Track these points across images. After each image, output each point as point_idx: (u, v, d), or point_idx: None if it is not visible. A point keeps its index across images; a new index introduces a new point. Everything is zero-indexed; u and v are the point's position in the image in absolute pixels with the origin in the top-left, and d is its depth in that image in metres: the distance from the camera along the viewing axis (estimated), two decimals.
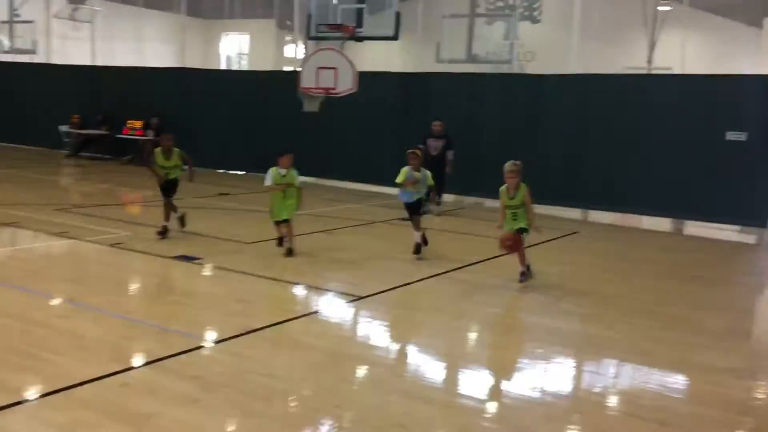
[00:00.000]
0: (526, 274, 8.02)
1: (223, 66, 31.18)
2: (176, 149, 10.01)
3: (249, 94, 18.86)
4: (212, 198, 14.17)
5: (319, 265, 8.80)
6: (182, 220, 10.14)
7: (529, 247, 8.40)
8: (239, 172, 19.10)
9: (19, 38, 22.93)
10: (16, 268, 8.11)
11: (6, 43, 23.12)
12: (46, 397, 4.44)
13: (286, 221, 9.06)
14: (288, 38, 27.24)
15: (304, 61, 15.17)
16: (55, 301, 6.75)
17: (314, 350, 5.74)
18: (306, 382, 5.01)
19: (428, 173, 9.42)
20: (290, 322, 6.44)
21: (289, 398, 4.75)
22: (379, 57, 22.86)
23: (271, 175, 8.90)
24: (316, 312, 6.93)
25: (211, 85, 19.61)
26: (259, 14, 31.23)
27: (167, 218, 9.92)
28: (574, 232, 12.47)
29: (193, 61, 26.09)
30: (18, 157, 19.95)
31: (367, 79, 14.84)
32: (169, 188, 10.04)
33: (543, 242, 11.29)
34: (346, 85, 14.16)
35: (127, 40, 27.84)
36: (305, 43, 17.79)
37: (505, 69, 20.11)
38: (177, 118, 19.38)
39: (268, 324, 6.27)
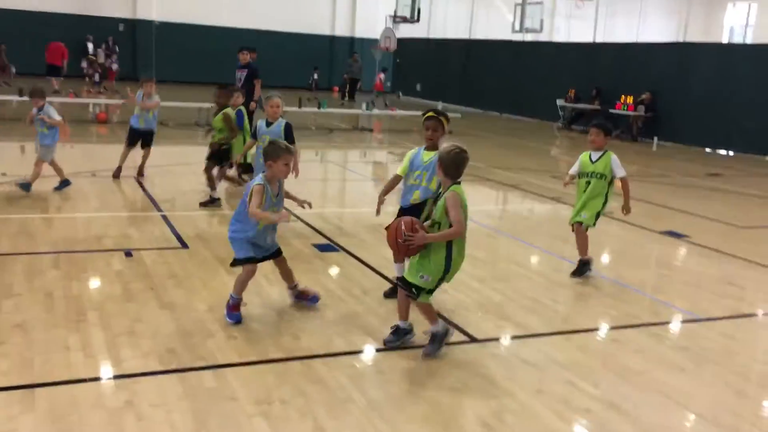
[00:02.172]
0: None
1: (725, 38, 29.21)
2: (225, 111, 8.05)
3: (752, 68, 17.50)
4: (700, 178, 13.71)
5: None
6: (206, 203, 8.11)
7: None
8: (726, 152, 18.09)
9: (528, 18, 25.13)
10: (516, 223, 9.25)
11: (515, 23, 25.58)
12: (549, 336, 5.10)
13: (578, 223, 6.44)
14: None
15: None
16: (549, 256, 7.49)
17: None
18: None
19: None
20: None
21: None
22: None
23: (578, 162, 6.54)
24: None
25: (711, 60, 18.70)
26: None
27: (212, 185, 8.20)
28: None
29: (694, 35, 25.09)
30: (516, 128, 22.13)
31: None
32: (213, 154, 8.25)
33: None
34: None
35: (628, 16, 28.11)
36: None
37: None
38: (673, 94, 19.07)
39: (764, 312, 6.01)
